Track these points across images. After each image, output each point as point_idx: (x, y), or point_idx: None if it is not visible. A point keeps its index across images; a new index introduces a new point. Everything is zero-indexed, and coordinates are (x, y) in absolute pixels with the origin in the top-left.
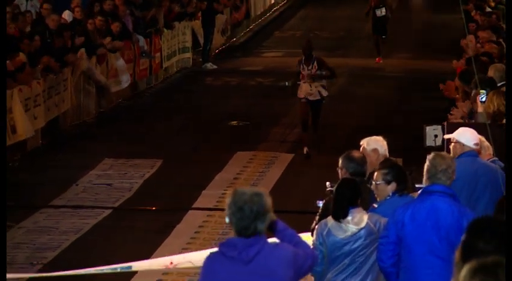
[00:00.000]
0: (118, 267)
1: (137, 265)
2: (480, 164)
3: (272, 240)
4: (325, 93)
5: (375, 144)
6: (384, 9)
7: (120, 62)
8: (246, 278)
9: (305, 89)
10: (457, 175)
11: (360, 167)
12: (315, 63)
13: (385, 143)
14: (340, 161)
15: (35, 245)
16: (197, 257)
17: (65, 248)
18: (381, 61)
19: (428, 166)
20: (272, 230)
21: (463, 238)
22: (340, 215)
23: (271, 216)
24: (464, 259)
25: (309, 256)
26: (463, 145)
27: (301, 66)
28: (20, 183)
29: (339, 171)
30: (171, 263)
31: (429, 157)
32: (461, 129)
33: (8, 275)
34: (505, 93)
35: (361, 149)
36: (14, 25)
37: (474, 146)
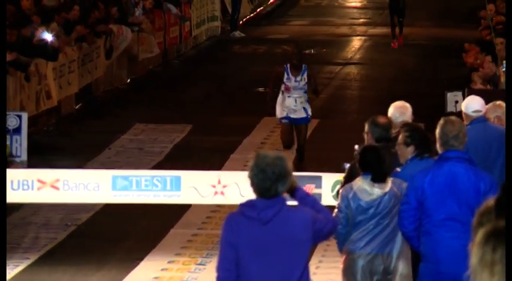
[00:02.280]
0: (167, 177)
1: (186, 179)
2: (491, 128)
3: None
4: (310, 110)
5: (390, 111)
6: None
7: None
8: (264, 238)
9: (288, 105)
10: (469, 142)
11: (385, 132)
12: (305, 75)
13: (404, 109)
14: (366, 126)
15: (69, 207)
16: (244, 182)
17: (98, 210)
18: (397, 46)
19: (439, 133)
20: (293, 197)
21: (496, 196)
22: (382, 179)
23: (292, 180)
24: (497, 216)
25: (330, 221)
26: (466, 113)
27: (286, 76)
28: (54, 147)
29: (365, 136)
30: (219, 182)
31: (439, 123)
32: (467, 99)
33: None
34: (505, 93)
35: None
36: None
37: (473, 114)
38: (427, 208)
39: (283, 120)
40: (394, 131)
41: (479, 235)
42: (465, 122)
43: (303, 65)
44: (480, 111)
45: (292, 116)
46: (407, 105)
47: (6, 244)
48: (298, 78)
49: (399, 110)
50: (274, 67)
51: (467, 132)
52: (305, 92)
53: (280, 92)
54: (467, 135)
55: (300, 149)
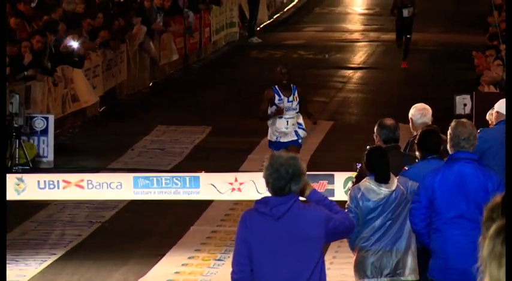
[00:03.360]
0: (186, 177)
1: (205, 178)
2: None
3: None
4: (302, 133)
5: (411, 113)
6: (411, 9)
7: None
8: (276, 234)
9: (279, 127)
10: (492, 141)
11: (392, 133)
12: (296, 94)
13: (425, 111)
14: (375, 128)
15: (94, 205)
16: (259, 179)
17: (121, 208)
18: (407, 66)
19: (451, 134)
20: (309, 199)
21: (503, 194)
22: (385, 179)
23: (308, 184)
24: (502, 214)
25: (346, 220)
26: (501, 114)
27: (278, 98)
28: (79, 147)
29: (375, 137)
30: (236, 179)
31: (451, 125)
32: (502, 101)
33: None
34: (505, 94)
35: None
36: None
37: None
38: (437, 206)
39: (272, 148)
40: (414, 133)
41: (492, 229)
42: (494, 121)
43: (292, 85)
44: None
45: (282, 140)
46: (428, 107)
47: (5, 243)
48: (291, 99)
49: (420, 112)
50: (263, 93)
51: (498, 130)
52: (297, 113)
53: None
54: (499, 133)
55: None
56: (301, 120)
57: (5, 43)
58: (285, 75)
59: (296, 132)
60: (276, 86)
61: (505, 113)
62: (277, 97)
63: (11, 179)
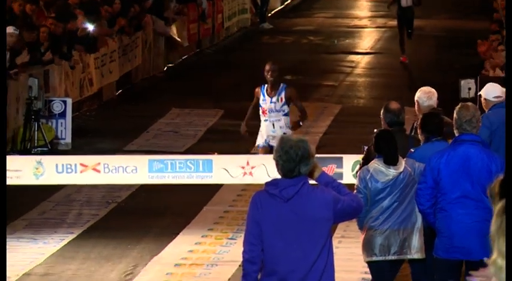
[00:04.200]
0: (200, 160)
1: (217, 161)
2: None
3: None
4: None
5: (417, 95)
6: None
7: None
8: (286, 215)
9: (266, 131)
10: (495, 125)
11: (396, 117)
12: (283, 95)
13: (431, 95)
14: (381, 112)
15: (110, 185)
16: (270, 162)
17: (137, 188)
18: (407, 60)
19: (455, 117)
20: (319, 182)
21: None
22: (393, 162)
23: (317, 166)
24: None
25: (354, 202)
26: (486, 99)
27: (262, 97)
28: (96, 130)
29: (382, 121)
30: (248, 163)
31: (456, 108)
32: (486, 86)
33: None
34: (505, 94)
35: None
36: None
37: (494, 99)
38: (443, 186)
39: (260, 144)
40: (420, 116)
41: (498, 206)
42: (485, 108)
43: (281, 84)
44: (500, 96)
45: (272, 143)
46: (434, 90)
47: (6, 242)
48: (274, 99)
49: (427, 95)
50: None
51: (489, 116)
52: (285, 115)
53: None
54: (490, 119)
55: None
56: (288, 121)
57: (4, 42)
58: (272, 73)
59: (285, 134)
60: (265, 85)
61: (492, 99)
62: (261, 97)
63: (30, 162)
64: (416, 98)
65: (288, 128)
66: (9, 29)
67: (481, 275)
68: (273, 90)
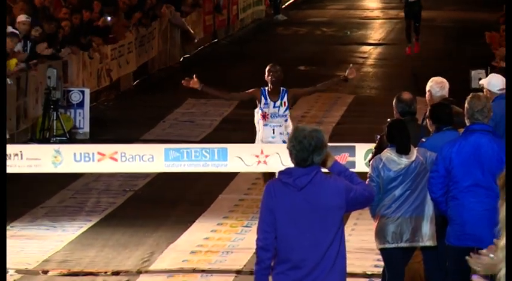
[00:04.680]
0: (215, 149)
1: (232, 150)
2: None
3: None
4: None
5: (430, 85)
6: None
7: None
8: (299, 203)
9: (264, 136)
10: (498, 117)
11: (408, 107)
12: (285, 98)
13: (443, 85)
14: (393, 102)
15: (127, 174)
16: (284, 151)
17: (154, 177)
18: (411, 52)
19: (466, 107)
20: (331, 171)
21: None
22: (405, 151)
23: (330, 156)
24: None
25: (366, 191)
26: (491, 91)
27: (264, 101)
28: (114, 119)
29: (394, 110)
30: (262, 152)
31: (467, 98)
32: (489, 77)
33: None
34: (505, 93)
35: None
36: None
37: (498, 92)
38: (454, 175)
39: None
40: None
41: (507, 194)
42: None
43: (281, 88)
44: (504, 89)
45: None
46: (445, 80)
47: (6, 241)
48: (278, 104)
49: (439, 85)
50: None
51: (493, 108)
52: (286, 121)
53: (257, 123)
54: (494, 111)
55: None
56: (290, 130)
57: (4, 41)
58: (274, 75)
59: (284, 142)
60: (266, 88)
61: (496, 91)
62: (263, 100)
63: (48, 150)
64: (428, 88)
65: (285, 135)
66: (22, 18)
67: (485, 261)
68: (275, 94)
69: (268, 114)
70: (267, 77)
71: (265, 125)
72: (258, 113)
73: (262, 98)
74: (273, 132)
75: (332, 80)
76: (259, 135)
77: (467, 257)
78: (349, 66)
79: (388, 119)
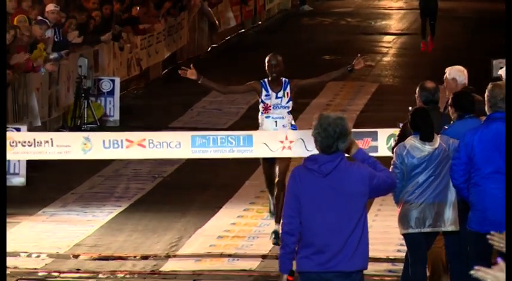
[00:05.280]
0: (240, 136)
1: (257, 137)
2: None
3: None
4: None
5: (454, 73)
6: None
7: None
8: (324, 189)
9: (266, 128)
10: None
11: (431, 95)
12: (288, 89)
13: (465, 73)
14: (417, 90)
15: (156, 161)
16: (308, 137)
17: (182, 164)
18: (425, 49)
19: (488, 96)
20: (355, 158)
21: None
22: (429, 138)
23: (354, 143)
24: None
25: (389, 178)
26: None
27: (265, 93)
28: (143, 107)
29: (417, 99)
30: (286, 137)
31: (488, 88)
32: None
33: None
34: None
35: (444, 77)
36: None
37: None
38: (476, 162)
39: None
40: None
41: None
42: None
43: (283, 79)
44: None
45: None
46: (464, 69)
47: (6, 241)
48: (280, 94)
49: (462, 73)
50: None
51: None
52: (289, 113)
53: (259, 114)
54: None
55: (279, 182)
56: (293, 121)
57: (4, 40)
58: (275, 68)
59: None
60: (266, 80)
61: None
62: (264, 92)
63: (78, 137)
64: (452, 76)
65: (293, 127)
66: (50, 7)
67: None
68: (277, 85)
69: (270, 106)
70: (268, 68)
71: (267, 117)
72: (260, 107)
73: (263, 89)
74: (276, 125)
75: (338, 70)
76: (261, 129)
77: (489, 236)
78: (357, 56)
79: (410, 107)
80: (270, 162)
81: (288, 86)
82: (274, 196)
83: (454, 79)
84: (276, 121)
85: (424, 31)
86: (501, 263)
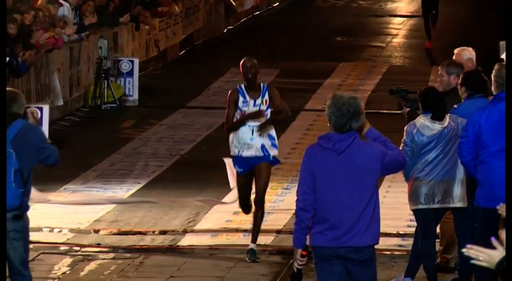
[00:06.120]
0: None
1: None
2: None
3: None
4: (273, 150)
5: (469, 54)
6: None
7: None
8: (337, 166)
9: (242, 138)
10: None
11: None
12: (267, 96)
13: (473, 53)
14: (439, 70)
15: (174, 139)
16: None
17: (199, 141)
18: (431, 46)
19: (495, 76)
20: (367, 136)
21: None
22: (441, 117)
23: (366, 122)
24: None
25: (399, 156)
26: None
27: (243, 99)
28: (161, 87)
29: (439, 78)
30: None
31: (495, 68)
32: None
33: None
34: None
35: (454, 56)
36: None
37: None
38: (483, 140)
39: (237, 170)
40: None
41: None
42: None
43: (262, 84)
44: None
45: (245, 153)
46: (472, 50)
47: (6, 241)
48: (258, 101)
49: (473, 53)
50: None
51: None
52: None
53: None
54: None
55: (258, 200)
56: (273, 132)
57: (5, 40)
58: (250, 69)
59: (263, 146)
60: (242, 85)
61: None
62: (241, 99)
63: None
64: (467, 56)
65: (271, 138)
66: None
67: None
68: (255, 91)
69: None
70: (242, 72)
71: (243, 125)
72: (236, 114)
73: (240, 96)
74: (252, 134)
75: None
76: (233, 137)
77: (498, 207)
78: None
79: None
80: (240, 166)
81: (267, 93)
82: (252, 214)
83: (469, 59)
84: (252, 130)
85: (428, 31)
86: (495, 242)
